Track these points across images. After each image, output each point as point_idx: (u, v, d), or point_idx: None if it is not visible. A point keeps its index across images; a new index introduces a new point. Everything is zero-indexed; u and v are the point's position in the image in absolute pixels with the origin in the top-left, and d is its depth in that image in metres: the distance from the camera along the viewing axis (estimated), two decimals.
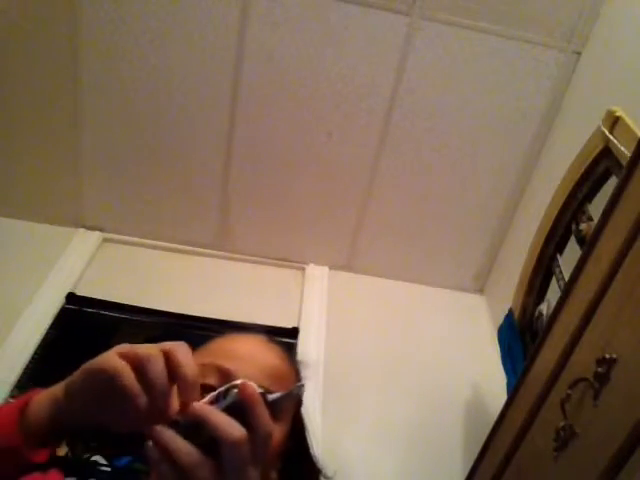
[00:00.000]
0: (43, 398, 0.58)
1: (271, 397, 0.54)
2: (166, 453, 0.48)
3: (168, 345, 0.54)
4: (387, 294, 2.51)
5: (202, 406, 0.50)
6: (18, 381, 1.80)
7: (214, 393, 0.53)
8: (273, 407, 0.53)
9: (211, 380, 0.68)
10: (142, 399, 0.51)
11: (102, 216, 2.45)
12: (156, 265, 2.41)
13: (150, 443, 0.50)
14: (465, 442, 1.93)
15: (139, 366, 0.52)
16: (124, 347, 0.54)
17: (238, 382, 0.52)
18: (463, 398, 2.08)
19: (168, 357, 0.53)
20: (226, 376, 0.68)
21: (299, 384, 0.53)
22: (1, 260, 2.20)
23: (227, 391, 0.52)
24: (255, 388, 0.51)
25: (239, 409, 0.50)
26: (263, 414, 0.51)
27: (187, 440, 0.49)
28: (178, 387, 0.52)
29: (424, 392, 2.07)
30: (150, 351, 0.52)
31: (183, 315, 2.16)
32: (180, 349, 0.54)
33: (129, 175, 2.36)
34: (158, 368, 0.52)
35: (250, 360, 0.73)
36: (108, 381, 0.51)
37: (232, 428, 0.48)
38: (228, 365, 0.70)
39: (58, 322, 2.04)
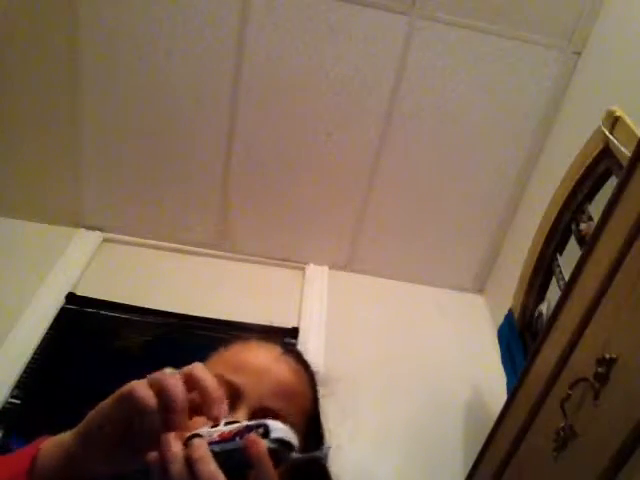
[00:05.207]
0: (52, 449, 0.55)
1: (293, 456, 0.50)
2: (163, 460, 0.49)
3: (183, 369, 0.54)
4: (387, 294, 2.50)
5: (199, 447, 0.49)
6: (18, 381, 1.80)
7: (242, 424, 0.51)
8: (287, 462, 0.50)
9: None
10: (157, 415, 0.50)
11: (102, 216, 2.45)
12: (156, 265, 2.41)
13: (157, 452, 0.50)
14: (465, 442, 1.93)
15: (156, 384, 0.51)
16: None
17: (267, 422, 0.50)
18: (463, 398, 2.08)
19: (186, 377, 0.53)
20: (234, 392, 0.67)
21: (326, 446, 0.51)
22: (1, 260, 2.20)
23: (257, 426, 0.50)
24: (265, 446, 0.48)
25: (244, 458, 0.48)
26: (265, 474, 0.48)
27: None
28: (203, 402, 0.52)
29: (424, 392, 2.07)
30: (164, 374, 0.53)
31: (183, 315, 2.16)
32: (196, 366, 0.54)
33: (129, 175, 2.36)
34: (174, 382, 0.51)
35: (262, 375, 0.71)
36: (128, 403, 0.50)
37: None
38: (237, 380, 0.68)
39: (58, 322, 2.04)
